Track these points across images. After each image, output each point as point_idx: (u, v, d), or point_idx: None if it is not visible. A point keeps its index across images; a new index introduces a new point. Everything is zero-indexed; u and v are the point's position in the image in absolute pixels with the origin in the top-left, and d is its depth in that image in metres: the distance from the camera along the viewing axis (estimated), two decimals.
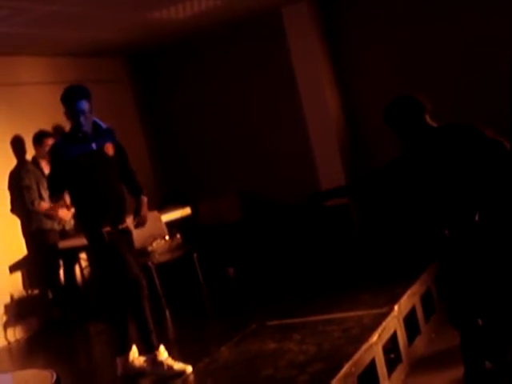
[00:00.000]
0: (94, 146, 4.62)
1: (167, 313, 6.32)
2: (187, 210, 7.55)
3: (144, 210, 4.85)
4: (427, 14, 7.59)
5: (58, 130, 7.43)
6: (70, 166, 4.54)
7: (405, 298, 5.10)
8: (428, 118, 3.97)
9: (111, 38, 7.56)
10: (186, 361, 4.53)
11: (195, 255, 6.95)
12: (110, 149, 4.69)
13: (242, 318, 5.54)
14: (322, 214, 7.96)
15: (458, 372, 4.52)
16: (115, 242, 4.55)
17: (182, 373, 4.42)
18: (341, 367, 3.94)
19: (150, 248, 6.58)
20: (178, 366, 4.46)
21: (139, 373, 4.63)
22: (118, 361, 4.71)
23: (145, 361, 4.61)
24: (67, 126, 4.64)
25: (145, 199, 4.88)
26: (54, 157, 4.68)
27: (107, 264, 4.65)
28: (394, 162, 4.05)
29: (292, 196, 8.17)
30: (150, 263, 6.35)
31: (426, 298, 5.53)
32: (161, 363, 4.46)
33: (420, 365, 4.84)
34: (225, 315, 5.98)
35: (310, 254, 7.57)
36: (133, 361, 4.68)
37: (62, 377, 3.07)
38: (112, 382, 4.81)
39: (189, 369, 4.45)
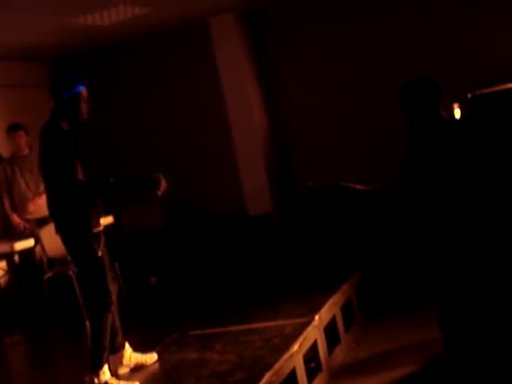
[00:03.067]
0: None
1: (87, 323, 6.19)
2: (109, 219, 7.45)
3: None
4: (354, 28, 7.75)
5: None
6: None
7: (325, 308, 5.16)
8: (442, 107, 3.69)
9: (34, 41, 7.38)
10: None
11: (116, 264, 6.85)
12: None
13: (164, 328, 5.51)
14: (246, 223, 8.00)
15: (376, 381, 4.63)
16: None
17: None
18: (262, 377, 3.97)
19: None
20: None
21: None
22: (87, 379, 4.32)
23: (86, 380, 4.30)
24: None
25: None
26: (71, 150, 4.30)
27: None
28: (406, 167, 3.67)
29: (216, 205, 8.19)
30: (70, 272, 6.22)
31: (346, 308, 5.61)
32: None
33: (340, 373, 4.91)
34: (146, 324, 5.92)
35: (234, 263, 7.58)
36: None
37: None
38: None
39: None
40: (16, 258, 6.89)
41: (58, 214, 4.45)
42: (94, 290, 4.35)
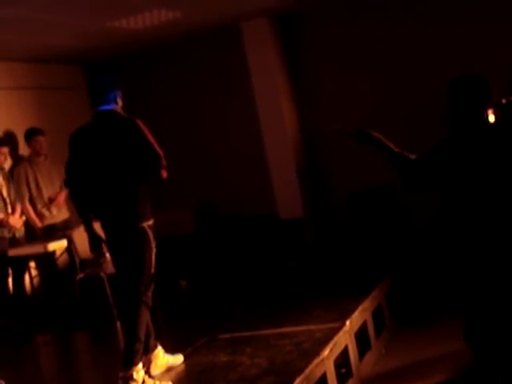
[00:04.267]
0: None
1: (118, 324, 6.24)
2: None
3: None
4: (387, 34, 7.73)
5: (8, 136, 7.36)
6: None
7: (356, 314, 5.13)
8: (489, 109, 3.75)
9: (69, 44, 7.48)
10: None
11: None
12: None
13: (194, 331, 5.51)
14: (276, 226, 8.00)
15: None
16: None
17: None
18: (292, 381, 3.95)
19: (102, 258, 6.49)
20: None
21: None
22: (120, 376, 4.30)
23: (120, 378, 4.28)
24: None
25: None
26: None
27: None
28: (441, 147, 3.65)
29: (247, 208, 8.19)
30: (102, 274, 6.27)
31: (377, 314, 5.58)
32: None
33: (370, 380, 4.88)
34: (177, 328, 5.94)
35: (264, 267, 7.58)
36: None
37: None
38: None
39: None
40: (49, 258, 6.96)
41: (130, 206, 4.40)
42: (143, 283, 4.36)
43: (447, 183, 3.62)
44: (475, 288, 3.62)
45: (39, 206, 7.08)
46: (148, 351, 4.53)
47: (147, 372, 4.46)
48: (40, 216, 7.10)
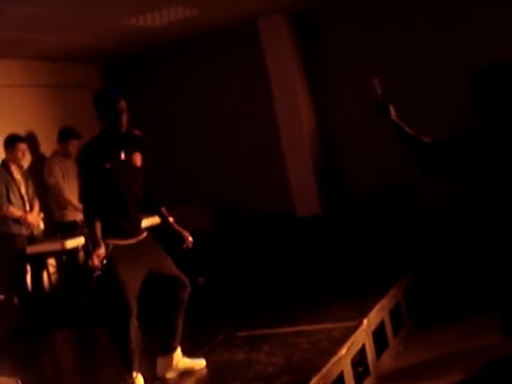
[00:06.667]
0: (122, 153, 4.28)
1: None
2: (157, 219, 7.49)
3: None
4: (402, 31, 7.68)
5: (30, 136, 7.42)
6: (99, 173, 4.20)
7: (374, 312, 5.11)
8: None
9: (86, 43, 7.51)
10: (153, 371, 4.47)
11: None
12: (138, 158, 4.36)
13: (212, 328, 5.51)
14: (294, 224, 7.98)
15: None
16: (117, 257, 4.19)
17: None
18: (309, 380, 3.93)
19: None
20: None
21: None
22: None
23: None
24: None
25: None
26: (86, 163, 4.26)
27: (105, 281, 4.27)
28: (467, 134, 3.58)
29: (264, 206, 8.19)
30: None
31: (394, 312, 5.55)
32: None
33: (388, 379, 4.85)
34: (194, 325, 5.93)
35: (281, 264, 7.57)
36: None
37: None
38: None
39: None
40: (67, 255, 6.99)
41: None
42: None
43: (474, 172, 3.53)
44: None
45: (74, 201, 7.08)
46: (166, 352, 4.49)
47: (162, 374, 4.44)
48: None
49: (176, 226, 4.61)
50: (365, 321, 4.89)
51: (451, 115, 6.64)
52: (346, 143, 8.10)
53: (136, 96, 8.91)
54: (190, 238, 4.59)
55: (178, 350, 4.55)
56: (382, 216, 7.67)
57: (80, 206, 4.54)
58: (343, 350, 4.39)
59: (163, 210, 4.63)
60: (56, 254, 6.99)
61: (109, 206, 4.25)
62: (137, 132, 4.42)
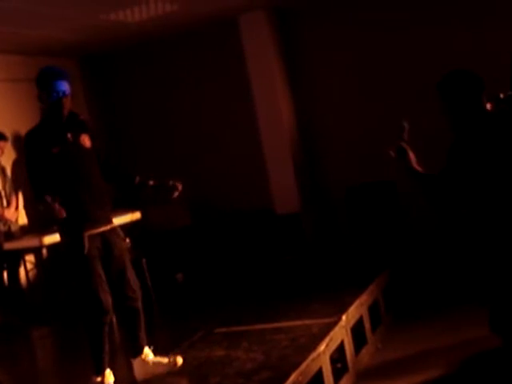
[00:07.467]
0: (69, 135, 4.18)
1: (114, 318, 6.22)
2: (137, 215, 7.48)
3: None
4: (382, 27, 7.70)
5: (4, 130, 7.33)
6: (46, 158, 4.11)
7: (353, 308, 5.12)
8: (484, 99, 3.56)
9: (64, 37, 7.44)
10: (131, 367, 4.44)
11: (144, 260, 6.88)
12: (86, 140, 4.26)
13: (190, 325, 5.51)
14: (273, 221, 7.98)
15: (403, 383, 4.59)
16: (92, 255, 4.15)
17: None
18: (288, 376, 3.93)
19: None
20: None
21: None
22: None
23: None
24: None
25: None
26: (29, 149, 4.17)
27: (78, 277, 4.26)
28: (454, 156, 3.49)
29: (243, 203, 8.18)
30: None
31: (373, 309, 5.57)
32: None
33: (366, 375, 4.87)
34: (173, 321, 5.93)
35: (260, 261, 7.57)
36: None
37: (4, 382, 2.99)
38: None
39: None
40: (44, 251, 6.93)
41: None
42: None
43: (476, 183, 3.47)
44: (502, 279, 3.52)
45: None
46: (135, 354, 4.40)
47: (137, 375, 4.38)
48: None
49: (158, 183, 4.46)
50: (343, 317, 4.90)
51: (429, 114, 6.66)
52: (327, 140, 8.11)
53: (117, 91, 8.89)
54: (178, 183, 4.44)
55: (147, 350, 4.43)
56: (363, 212, 7.70)
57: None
58: (322, 347, 4.39)
59: (138, 177, 4.47)
60: (35, 250, 6.93)
61: (65, 192, 4.11)
62: (80, 115, 4.35)
